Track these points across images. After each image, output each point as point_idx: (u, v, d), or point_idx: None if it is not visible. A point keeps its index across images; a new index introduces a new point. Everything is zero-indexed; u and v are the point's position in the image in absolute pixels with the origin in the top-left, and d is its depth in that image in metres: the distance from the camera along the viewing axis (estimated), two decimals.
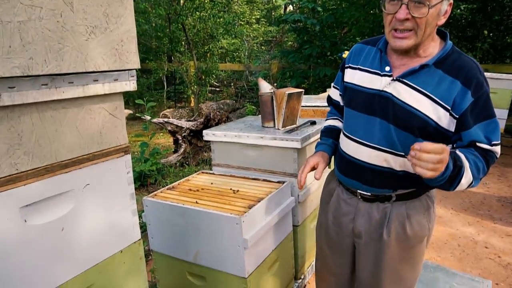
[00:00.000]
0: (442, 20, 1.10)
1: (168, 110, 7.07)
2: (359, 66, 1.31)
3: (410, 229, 1.27)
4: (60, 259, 0.85)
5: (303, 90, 2.05)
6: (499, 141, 1.13)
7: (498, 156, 1.15)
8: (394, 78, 1.18)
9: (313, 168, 1.40)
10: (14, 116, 0.73)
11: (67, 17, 0.75)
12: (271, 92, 1.98)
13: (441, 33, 1.20)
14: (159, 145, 5.62)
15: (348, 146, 1.34)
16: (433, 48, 1.16)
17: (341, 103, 1.48)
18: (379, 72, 1.23)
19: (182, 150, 4.61)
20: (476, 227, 3.35)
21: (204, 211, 1.50)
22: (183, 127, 4.69)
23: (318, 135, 1.99)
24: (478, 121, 1.11)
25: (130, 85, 0.96)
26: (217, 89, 10.89)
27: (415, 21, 1.06)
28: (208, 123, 4.67)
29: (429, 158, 0.95)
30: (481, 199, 4.00)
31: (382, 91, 1.20)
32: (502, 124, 5.29)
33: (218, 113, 4.85)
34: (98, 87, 0.87)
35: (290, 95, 1.93)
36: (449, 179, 1.06)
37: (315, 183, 2.07)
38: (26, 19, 0.66)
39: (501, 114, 5.16)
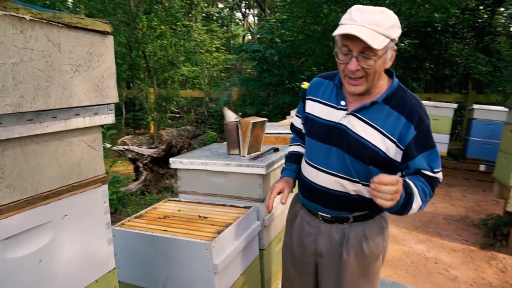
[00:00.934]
0: (389, 64, 1.27)
1: (127, 137, 6.94)
2: (318, 99, 1.45)
3: (367, 248, 1.39)
4: None
5: (266, 119, 2.17)
6: (440, 169, 1.30)
7: (440, 181, 1.32)
8: (349, 112, 1.32)
9: (279, 193, 1.50)
10: None
11: (54, 57, 0.80)
12: (237, 121, 2.08)
13: (388, 71, 1.36)
14: (119, 173, 5.49)
15: (309, 172, 1.45)
16: (381, 86, 1.31)
17: (303, 131, 1.60)
18: (336, 105, 1.37)
19: (143, 177, 4.54)
20: (427, 244, 3.59)
21: (174, 238, 1.53)
22: (144, 155, 4.65)
23: (281, 161, 2.11)
24: (421, 152, 1.27)
25: (109, 118, 1.01)
26: (177, 115, 10.87)
27: (364, 71, 1.21)
28: (170, 150, 4.66)
29: (387, 190, 1.09)
30: (430, 217, 4.29)
31: (338, 123, 1.34)
32: (444, 148, 5.77)
33: (180, 140, 4.86)
34: (80, 121, 0.91)
35: (254, 124, 2.03)
36: (402, 206, 1.20)
37: (279, 207, 2.16)
38: (19, 60, 0.71)
39: (443, 139, 5.64)
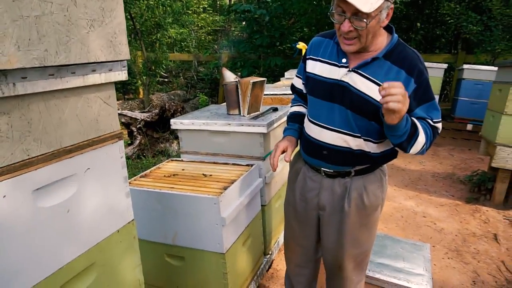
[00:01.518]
0: (385, 22, 1.28)
1: (117, 102, 6.84)
2: (319, 58, 1.47)
3: (367, 199, 1.47)
4: (67, 240, 0.91)
5: (265, 79, 2.18)
6: (440, 119, 1.36)
7: (439, 131, 1.37)
8: (350, 69, 1.35)
9: (283, 152, 1.56)
10: (24, 105, 0.78)
11: (72, 11, 0.80)
12: (236, 81, 2.09)
13: (387, 27, 1.38)
14: None
15: (312, 130, 1.50)
16: (380, 43, 1.34)
17: (304, 91, 1.63)
18: (337, 63, 1.39)
19: (137, 142, 4.55)
20: (415, 200, 3.77)
21: (183, 195, 1.59)
22: (138, 119, 4.63)
23: (281, 121, 2.15)
24: (421, 103, 1.32)
25: (122, 75, 1.02)
26: (166, 79, 10.69)
27: (357, 32, 1.24)
28: (163, 114, 4.65)
29: (396, 91, 1.12)
30: (418, 175, 4.46)
31: (340, 80, 1.37)
32: None
33: (173, 103, 4.84)
34: (96, 77, 0.93)
35: (254, 83, 2.05)
36: (408, 137, 1.25)
37: (279, 165, 2.23)
38: (41, 13, 0.72)
39: None
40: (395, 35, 1.37)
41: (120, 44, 0.99)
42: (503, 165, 3.43)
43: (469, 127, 5.63)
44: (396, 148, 1.40)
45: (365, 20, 1.20)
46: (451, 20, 6.90)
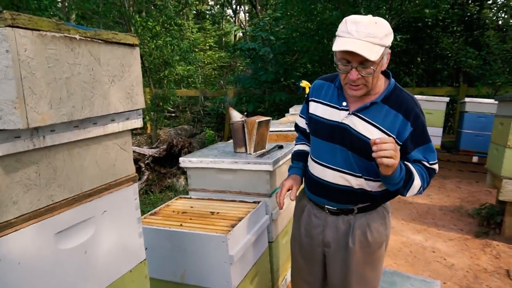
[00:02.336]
0: (385, 67, 1.37)
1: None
2: (320, 100, 1.55)
3: (371, 236, 1.51)
4: (83, 280, 0.96)
5: (270, 118, 2.27)
6: (436, 161, 1.42)
7: (436, 172, 1.44)
8: (350, 112, 1.43)
9: (288, 190, 1.61)
10: (51, 155, 0.85)
11: (96, 70, 0.90)
12: (243, 121, 2.18)
13: (384, 72, 1.46)
14: None
15: (315, 169, 1.56)
16: (379, 87, 1.42)
17: (308, 130, 1.71)
18: (338, 106, 1.47)
19: (145, 177, 4.63)
20: (424, 234, 3.73)
21: (192, 233, 1.63)
22: (146, 155, 4.73)
23: (286, 158, 2.22)
24: (417, 146, 1.39)
25: (138, 122, 1.11)
26: (173, 114, 10.93)
27: (364, 79, 1.32)
28: (171, 150, 4.75)
29: (388, 146, 1.20)
30: (426, 209, 4.43)
31: (341, 123, 1.44)
32: (438, 141, 5.92)
33: (180, 139, 4.95)
34: (115, 126, 1.01)
35: (260, 123, 2.14)
36: (404, 183, 1.31)
37: (285, 202, 2.27)
38: (70, 75, 0.81)
39: (436, 132, 5.79)
40: (392, 80, 1.45)
41: (137, 95, 1.08)
42: (510, 199, 3.42)
43: (475, 159, 5.65)
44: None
45: (372, 67, 1.29)
46: (451, 55, 7.09)
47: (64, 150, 0.89)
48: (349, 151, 1.44)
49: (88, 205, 0.96)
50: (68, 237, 0.91)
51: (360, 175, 1.45)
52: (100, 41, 0.90)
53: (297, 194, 1.76)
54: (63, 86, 0.79)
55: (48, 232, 0.86)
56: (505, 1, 6.34)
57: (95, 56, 0.89)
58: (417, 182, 1.35)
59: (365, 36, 1.24)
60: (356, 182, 1.46)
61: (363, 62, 1.28)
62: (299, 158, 1.74)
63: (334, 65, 1.39)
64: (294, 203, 1.77)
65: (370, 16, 1.31)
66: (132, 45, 1.05)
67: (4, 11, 0.64)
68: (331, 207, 1.54)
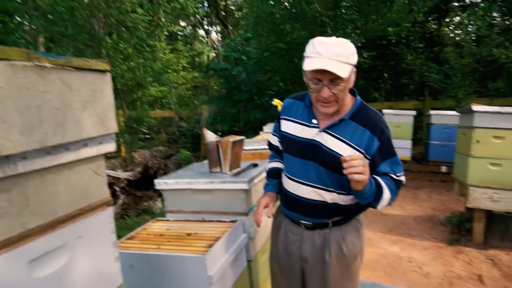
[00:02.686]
0: (352, 84, 1.46)
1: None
2: (291, 118, 1.61)
3: (346, 249, 1.55)
4: None
5: (244, 137, 2.31)
6: (402, 173, 1.50)
7: (404, 183, 1.51)
8: (321, 130, 1.49)
9: (265, 207, 1.64)
10: (23, 182, 0.85)
11: (67, 96, 0.91)
12: (217, 141, 2.20)
13: (350, 90, 1.55)
14: None
15: (290, 185, 1.60)
16: (347, 104, 1.50)
17: (280, 148, 1.75)
18: (308, 124, 1.53)
19: (121, 201, 4.53)
20: (400, 245, 3.83)
21: (169, 255, 1.62)
22: (121, 178, 4.64)
23: (262, 176, 2.25)
24: (384, 159, 1.46)
25: (111, 146, 1.12)
26: (148, 136, 10.80)
27: (335, 96, 1.39)
28: (146, 172, 4.69)
29: (357, 163, 1.27)
30: (401, 220, 4.56)
31: (312, 140, 1.50)
32: (408, 153, 6.13)
33: (156, 161, 4.90)
34: (88, 150, 1.02)
35: (234, 142, 2.17)
36: (375, 196, 1.37)
37: (262, 219, 2.28)
38: (42, 102, 0.82)
39: (406, 144, 6.00)
40: (358, 98, 1.53)
41: (109, 119, 1.09)
42: (477, 205, 3.58)
43: (444, 169, 5.88)
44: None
45: (342, 84, 1.36)
46: (415, 70, 7.45)
47: (36, 177, 0.88)
48: (321, 166, 1.49)
49: (62, 231, 0.95)
50: (42, 265, 0.90)
51: (332, 189, 1.50)
52: (71, 68, 0.92)
53: (274, 211, 1.79)
54: (34, 113, 0.80)
55: (21, 260, 0.84)
56: (461, 19, 6.77)
57: (66, 83, 0.90)
58: (386, 195, 1.42)
59: (334, 55, 1.32)
60: (329, 197, 1.51)
61: (334, 80, 1.35)
62: (273, 175, 1.78)
63: (306, 84, 1.45)
64: (271, 220, 1.79)
65: (334, 37, 1.39)
66: (103, 71, 1.07)
67: None
68: (306, 222, 1.58)
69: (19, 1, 6.89)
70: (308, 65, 1.35)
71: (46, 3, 6.26)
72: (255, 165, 2.37)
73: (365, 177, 1.29)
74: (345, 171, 1.29)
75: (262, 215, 1.62)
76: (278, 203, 1.75)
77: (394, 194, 1.45)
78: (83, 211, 1.02)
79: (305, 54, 1.39)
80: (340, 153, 1.44)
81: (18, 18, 7.30)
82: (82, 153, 1.00)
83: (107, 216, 1.11)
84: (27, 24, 7.29)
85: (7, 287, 0.81)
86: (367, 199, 1.40)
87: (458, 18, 7.17)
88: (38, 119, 0.81)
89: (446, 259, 3.45)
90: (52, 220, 0.92)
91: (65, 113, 0.90)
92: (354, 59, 1.38)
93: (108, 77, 1.09)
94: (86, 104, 0.99)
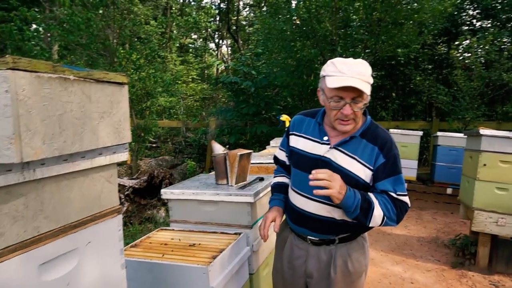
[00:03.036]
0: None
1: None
2: (302, 134, 1.64)
3: (351, 266, 1.56)
4: None
5: (252, 151, 2.34)
6: (405, 193, 1.50)
7: (407, 204, 1.51)
8: (332, 146, 1.52)
9: (271, 221, 1.66)
10: (39, 187, 0.89)
11: (87, 107, 0.95)
12: (225, 153, 2.24)
13: None
14: None
15: (298, 200, 1.62)
16: (357, 123, 1.53)
17: (287, 163, 1.78)
18: (319, 140, 1.56)
19: (124, 208, 4.55)
20: (403, 265, 3.79)
21: (172, 264, 1.64)
22: (126, 186, 4.68)
23: (267, 190, 2.27)
24: (388, 176, 1.48)
25: (124, 156, 1.15)
26: (154, 145, 10.89)
27: (354, 113, 1.43)
28: (152, 181, 4.73)
29: (322, 176, 1.34)
30: (404, 240, 4.52)
31: (323, 156, 1.53)
32: (413, 173, 6.11)
33: (161, 170, 4.94)
34: (102, 159, 1.06)
35: (241, 155, 2.20)
36: (363, 212, 1.40)
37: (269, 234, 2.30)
38: (63, 112, 0.86)
39: (412, 164, 5.99)
40: (369, 117, 1.57)
41: (124, 129, 1.13)
42: (482, 229, 3.55)
43: (449, 191, 5.84)
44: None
45: (363, 102, 1.41)
46: (423, 91, 7.47)
47: (52, 183, 0.92)
48: None
49: (73, 236, 0.98)
50: (51, 269, 0.93)
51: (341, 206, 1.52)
52: (92, 80, 0.97)
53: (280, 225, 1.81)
54: (56, 122, 0.84)
55: (32, 263, 0.87)
56: (470, 43, 6.83)
57: (86, 94, 0.95)
58: (378, 212, 1.42)
59: (357, 74, 1.37)
60: (338, 214, 1.52)
61: (355, 98, 1.39)
62: (279, 190, 1.80)
63: (328, 103, 1.46)
64: (275, 234, 1.80)
65: (352, 58, 1.44)
66: (121, 84, 1.12)
67: (7, 56, 0.70)
68: (313, 238, 1.59)
69: (37, 9, 7.09)
70: (332, 83, 1.38)
71: (64, 13, 6.44)
72: (261, 179, 2.39)
73: (330, 191, 1.35)
74: (311, 183, 1.36)
75: (269, 230, 1.64)
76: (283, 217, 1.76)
77: (391, 213, 1.45)
78: (94, 217, 1.05)
79: (325, 73, 1.43)
80: (350, 169, 1.46)
81: (34, 26, 7.52)
82: (97, 162, 1.04)
83: (116, 224, 1.14)
84: (43, 32, 7.48)
85: None
86: (353, 213, 1.42)
87: (467, 41, 7.21)
88: (59, 127, 0.85)
89: (449, 282, 3.41)
90: (64, 225, 0.95)
91: (84, 122, 0.94)
92: (371, 79, 1.43)
93: (125, 90, 1.14)
94: (103, 115, 1.03)
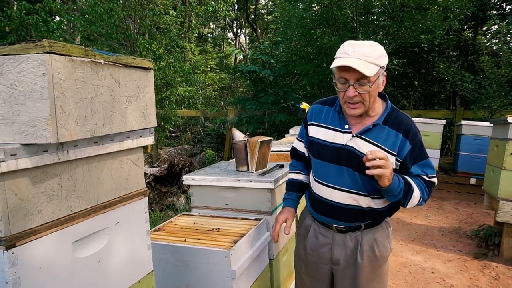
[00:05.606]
0: (381, 88, 1.47)
1: None
2: (321, 124, 1.61)
3: (378, 251, 1.56)
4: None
5: (272, 138, 2.35)
6: (435, 174, 1.51)
7: (435, 184, 1.52)
8: (354, 135, 1.50)
9: (282, 223, 1.68)
10: (72, 168, 0.93)
11: (116, 91, 0.98)
12: (245, 140, 2.26)
13: (381, 95, 1.55)
14: None
15: (321, 190, 1.60)
16: (378, 108, 1.51)
17: (306, 154, 1.75)
18: (340, 129, 1.54)
19: None
20: (423, 255, 3.75)
21: (195, 248, 1.68)
22: (147, 173, 4.78)
23: (286, 177, 2.28)
24: (416, 162, 1.47)
25: (150, 139, 1.18)
26: (174, 134, 11.04)
27: (361, 96, 1.41)
28: (172, 169, 4.81)
29: (381, 155, 1.30)
30: (425, 230, 4.46)
31: (346, 145, 1.51)
32: (436, 163, 5.99)
33: (181, 158, 5.02)
34: (129, 142, 1.09)
35: (262, 142, 2.22)
36: (404, 194, 1.39)
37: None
38: (94, 95, 0.89)
39: (434, 154, 5.87)
40: (389, 102, 1.54)
41: (150, 114, 1.16)
42: (507, 220, 3.47)
43: (473, 181, 5.70)
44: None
45: (368, 84, 1.38)
46: (447, 79, 7.25)
47: (84, 164, 0.96)
48: (356, 172, 1.49)
49: (102, 216, 1.02)
50: (84, 246, 0.97)
51: (367, 194, 1.51)
52: (120, 65, 0.99)
53: (300, 214, 1.82)
54: (88, 105, 0.87)
55: (67, 240, 0.92)
56: (499, 28, 6.56)
57: (115, 79, 0.98)
58: (416, 193, 1.43)
59: (361, 55, 1.34)
60: (364, 202, 1.52)
61: (359, 79, 1.37)
62: (293, 188, 1.79)
63: (333, 84, 1.48)
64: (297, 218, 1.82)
65: (366, 41, 1.42)
66: (147, 69, 1.14)
67: (43, 40, 0.73)
68: (339, 226, 1.59)
69: (60, 1, 7.23)
70: (334, 63, 1.38)
71: (86, 4, 6.55)
72: (281, 166, 2.40)
73: (384, 171, 1.30)
74: (367, 171, 1.32)
75: (279, 232, 1.66)
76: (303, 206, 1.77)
77: (425, 194, 1.47)
78: (122, 199, 1.09)
79: (335, 56, 1.42)
80: None
81: (57, 18, 7.67)
82: (125, 145, 1.07)
83: (143, 206, 1.18)
84: (66, 23, 7.63)
85: (54, 264, 0.89)
86: (396, 197, 1.41)
87: (496, 26, 6.94)
88: (90, 110, 0.88)
89: (472, 273, 3.36)
90: (95, 205, 1.00)
91: (113, 106, 0.97)
92: (383, 61, 1.39)
93: (151, 75, 1.17)
94: (131, 99, 1.06)
